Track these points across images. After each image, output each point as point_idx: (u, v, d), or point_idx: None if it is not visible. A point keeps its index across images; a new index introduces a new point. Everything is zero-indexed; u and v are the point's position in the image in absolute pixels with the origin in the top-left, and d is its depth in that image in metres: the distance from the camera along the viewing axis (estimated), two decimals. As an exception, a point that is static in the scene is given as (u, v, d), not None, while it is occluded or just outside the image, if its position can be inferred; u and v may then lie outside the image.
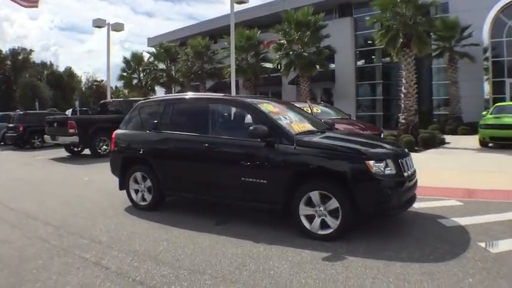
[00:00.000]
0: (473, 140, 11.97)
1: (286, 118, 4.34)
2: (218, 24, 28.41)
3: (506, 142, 10.07)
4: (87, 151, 11.33)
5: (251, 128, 3.92)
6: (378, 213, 3.69)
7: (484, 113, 12.57)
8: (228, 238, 3.78)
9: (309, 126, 4.48)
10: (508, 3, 18.44)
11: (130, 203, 5.09)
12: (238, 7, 15.48)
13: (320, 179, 3.72)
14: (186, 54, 24.58)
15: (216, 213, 4.65)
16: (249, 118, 4.36)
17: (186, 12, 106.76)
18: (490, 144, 10.87)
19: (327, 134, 4.30)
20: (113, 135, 5.36)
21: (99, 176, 7.48)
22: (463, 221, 4.08)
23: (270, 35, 22.80)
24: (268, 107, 4.46)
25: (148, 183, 4.85)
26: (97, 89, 50.12)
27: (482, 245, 3.38)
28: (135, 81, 27.59)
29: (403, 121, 14.52)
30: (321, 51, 18.33)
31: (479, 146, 11.05)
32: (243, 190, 4.13)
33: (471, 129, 16.01)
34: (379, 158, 3.59)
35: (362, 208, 3.54)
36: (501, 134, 10.15)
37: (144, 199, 4.96)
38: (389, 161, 3.61)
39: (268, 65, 20.80)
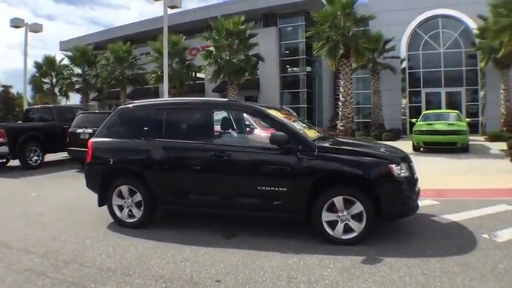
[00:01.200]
0: (401, 145, 13.68)
1: (297, 124, 4.43)
2: (137, 29, 28.78)
3: (437, 146, 11.81)
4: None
5: (271, 134, 3.92)
6: (399, 214, 4.00)
7: (414, 120, 14.54)
8: (252, 251, 3.68)
9: (316, 133, 4.65)
10: (424, 19, 21.68)
11: (107, 220, 4.61)
12: (159, 12, 15.25)
13: (345, 184, 3.89)
14: (106, 59, 23.95)
15: (216, 225, 4.47)
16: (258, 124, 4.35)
17: (89, 17, 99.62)
18: (421, 149, 12.58)
19: (336, 140, 4.52)
20: (89, 145, 4.75)
21: (47, 191, 7.02)
22: (453, 217, 4.65)
23: (195, 41, 23.00)
24: (276, 113, 4.50)
25: (138, 197, 4.42)
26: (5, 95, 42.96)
27: (486, 236, 3.94)
28: (46, 86, 25.72)
29: (341, 128, 15.90)
30: (249, 59, 19.07)
31: (412, 151, 12.69)
32: (259, 200, 4.07)
33: (394, 135, 18.37)
34: (397, 162, 3.92)
35: (386, 210, 3.80)
36: (433, 139, 11.84)
37: (131, 215, 4.49)
38: (404, 165, 3.96)
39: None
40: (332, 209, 3.85)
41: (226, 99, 5.22)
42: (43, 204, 5.93)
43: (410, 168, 4.06)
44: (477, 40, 18.44)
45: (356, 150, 4.10)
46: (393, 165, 3.83)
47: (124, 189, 4.48)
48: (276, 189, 3.95)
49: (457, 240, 3.88)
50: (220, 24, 17.79)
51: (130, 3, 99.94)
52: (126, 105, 4.98)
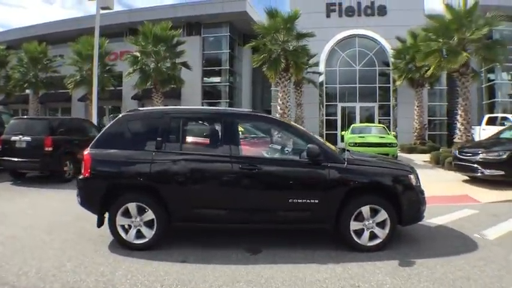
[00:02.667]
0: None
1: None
2: (52, 29, 26.96)
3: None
4: None
5: (308, 147, 4.10)
6: (414, 220, 4.50)
7: (343, 132, 16.10)
8: (292, 265, 3.77)
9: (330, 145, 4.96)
10: (342, 38, 24.28)
11: (96, 240, 4.28)
12: (78, 13, 14.35)
13: (371, 194, 4.26)
14: (20, 60, 21.84)
15: (232, 241, 4.42)
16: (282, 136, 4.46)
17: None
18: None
19: (347, 152, 4.88)
20: (86, 157, 4.19)
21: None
22: (436, 221, 5.40)
23: (113, 46, 21.93)
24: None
25: (150, 215, 4.09)
26: None
27: (478, 236, 4.73)
28: None
29: (279, 139, 16.69)
30: (176, 66, 18.80)
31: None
32: (290, 212, 4.18)
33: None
34: (412, 172, 4.51)
35: (406, 216, 4.30)
36: (367, 151, 13.36)
37: (141, 236, 4.12)
38: (415, 174, 4.57)
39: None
40: (358, 217, 4.20)
41: (249, 110, 5.15)
42: (12, 224, 5.15)
43: (418, 178, 4.69)
44: (393, 60, 21.47)
45: (379, 162, 4.56)
46: (411, 176, 4.40)
47: (132, 207, 4.09)
48: (308, 201, 4.12)
49: (457, 240, 4.59)
50: (148, 28, 17.29)
51: (27, 2, 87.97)
52: (132, 113, 4.56)
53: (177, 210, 4.11)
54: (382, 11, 23.68)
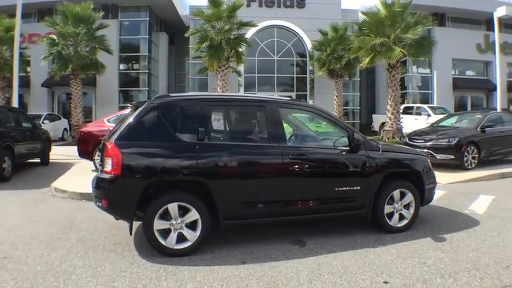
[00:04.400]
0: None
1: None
2: None
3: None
4: None
5: (355, 136, 4.22)
6: (430, 200, 4.95)
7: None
8: (344, 253, 3.85)
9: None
10: (262, 28, 24.90)
11: (128, 254, 3.74)
12: None
13: (401, 178, 4.58)
14: None
15: (270, 234, 4.33)
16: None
17: None
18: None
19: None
20: (113, 151, 3.52)
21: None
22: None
23: (25, 28, 19.03)
24: None
25: (193, 216, 3.68)
26: None
27: (468, 212, 5.49)
28: None
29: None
30: (96, 51, 17.73)
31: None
32: (336, 200, 4.26)
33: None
34: (428, 157, 5.04)
35: (426, 198, 4.77)
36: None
37: (183, 240, 3.69)
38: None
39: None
40: (389, 201, 4.51)
41: (289, 98, 4.96)
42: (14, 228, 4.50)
43: None
44: (313, 51, 23.02)
45: (402, 149, 4.96)
46: (429, 160, 4.94)
47: (173, 207, 3.62)
48: (352, 188, 4.26)
49: (457, 217, 5.22)
50: (69, 8, 15.48)
51: None
52: (163, 100, 3.98)
53: (227, 207, 3.79)
54: (301, 3, 25.08)
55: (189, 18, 25.20)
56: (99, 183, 3.70)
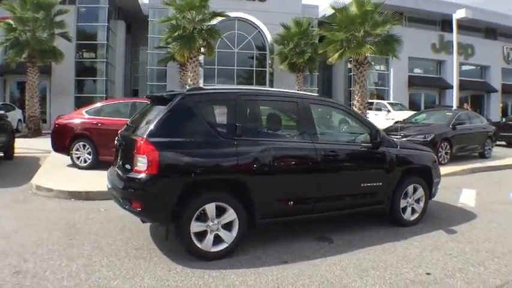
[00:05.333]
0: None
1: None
2: None
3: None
4: None
5: (379, 133, 4.43)
6: (435, 194, 5.31)
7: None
8: (371, 248, 4.05)
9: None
10: (222, 20, 24.61)
11: (160, 260, 3.60)
12: None
13: (415, 174, 4.88)
14: None
15: (296, 230, 4.41)
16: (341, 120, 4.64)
17: None
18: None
19: None
20: (146, 148, 3.34)
21: None
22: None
23: None
24: None
25: (230, 216, 3.63)
26: None
27: (461, 205, 5.98)
28: None
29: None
30: (53, 38, 16.94)
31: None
32: (361, 196, 4.45)
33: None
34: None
35: (434, 192, 5.15)
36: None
37: (219, 242, 3.63)
38: None
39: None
40: (404, 196, 4.78)
41: (317, 95, 4.96)
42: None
43: None
44: (275, 45, 23.29)
45: (414, 145, 5.27)
46: (435, 156, 5.31)
47: (210, 208, 3.54)
48: (375, 184, 4.47)
49: (453, 210, 5.69)
50: None
51: None
52: (197, 93, 3.83)
53: (264, 205, 3.78)
54: (263, -4, 25.30)
55: (149, 7, 24.40)
56: (129, 183, 3.51)
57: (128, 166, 3.64)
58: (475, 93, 27.26)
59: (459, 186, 7.59)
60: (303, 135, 4.10)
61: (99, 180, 6.63)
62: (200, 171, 3.56)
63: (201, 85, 24.53)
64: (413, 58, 25.67)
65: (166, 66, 23.18)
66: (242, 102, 3.88)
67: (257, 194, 3.73)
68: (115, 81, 25.81)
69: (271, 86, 26.11)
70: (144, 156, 3.38)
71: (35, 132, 16.67)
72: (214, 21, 24.17)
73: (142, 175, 3.39)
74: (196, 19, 14.92)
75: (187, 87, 16.32)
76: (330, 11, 16.35)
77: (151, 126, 3.53)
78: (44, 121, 20.11)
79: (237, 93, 3.98)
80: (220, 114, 3.85)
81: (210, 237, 3.60)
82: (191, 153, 3.54)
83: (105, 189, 5.83)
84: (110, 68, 25.01)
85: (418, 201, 4.95)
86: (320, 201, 4.18)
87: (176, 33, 14.60)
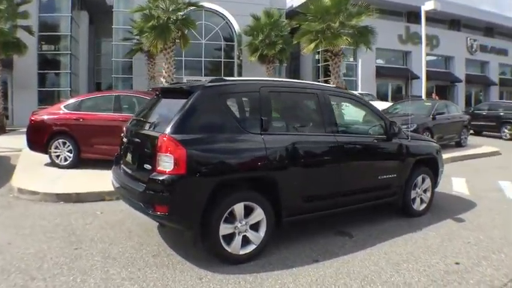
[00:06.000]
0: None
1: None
2: None
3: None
4: None
5: (398, 126, 4.50)
6: (438, 184, 5.51)
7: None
8: (393, 240, 4.13)
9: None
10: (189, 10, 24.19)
11: (184, 267, 3.43)
12: None
13: (423, 165, 4.98)
14: None
15: (316, 227, 4.38)
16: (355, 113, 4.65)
17: None
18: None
19: None
20: (171, 145, 3.14)
21: None
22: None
23: None
24: None
25: (258, 215, 3.52)
26: None
27: (456, 193, 6.26)
28: None
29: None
30: (16, 29, 16.17)
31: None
32: (377, 189, 4.50)
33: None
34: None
35: (438, 181, 5.32)
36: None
37: (247, 243, 3.52)
38: None
39: None
40: (413, 187, 4.91)
41: (335, 86, 4.87)
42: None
43: None
44: (243, 36, 23.14)
45: (420, 136, 5.38)
46: (439, 146, 5.47)
47: (239, 208, 3.41)
48: (390, 176, 4.54)
49: (452, 199, 5.91)
50: None
51: None
52: (219, 84, 3.62)
53: (291, 203, 3.71)
54: (231, -14, 24.96)
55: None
56: (152, 185, 3.27)
57: (147, 166, 3.40)
58: (440, 84, 28.57)
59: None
60: (324, 128, 4.06)
61: (86, 180, 6.32)
62: (230, 169, 3.42)
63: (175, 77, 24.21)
64: (381, 49, 26.34)
65: (132, 59, 22.39)
66: (265, 94, 3.75)
67: (285, 191, 3.65)
68: (79, 74, 24.74)
69: (240, 76, 26.05)
70: (169, 155, 3.17)
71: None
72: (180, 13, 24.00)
73: (168, 176, 3.18)
74: (170, 8, 14.44)
75: (163, 80, 16.04)
76: (298, 2, 16.49)
77: (173, 122, 3.30)
78: (7, 117, 18.79)
79: (259, 85, 3.84)
80: (245, 108, 3.71)
81: (238, 239, 3.47)
82: (220, 150, 3.38)
83: (96, 189, 5.64)
84: (74, 61, 23.92)
85: (425, 191, 5.08)
86: (342, 196, 4.18)
87: (150, 23, 14.03)
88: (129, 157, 3.91)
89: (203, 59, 25.76)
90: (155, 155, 3.25)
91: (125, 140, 4.06)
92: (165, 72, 15.62)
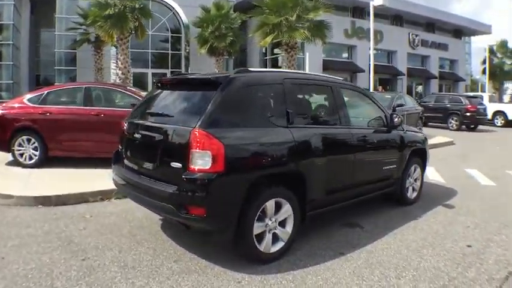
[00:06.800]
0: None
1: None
2: None
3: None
4: None
5: (398, 118, 4.73)
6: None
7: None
8: (399, 229, 4.36)
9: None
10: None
11: (216, 272, 3.34)
12: None
13: (416, 155, 5.28)
14: None
15: (326, 219, 4.46)
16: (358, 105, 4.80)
17: None
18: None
19: None
20: (207, 141, 2.99)
21: None
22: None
23: None
24: None
25: (286, 211, 3.50)
26: None
27: (435, 182, 6.76)
28: None
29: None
30: None
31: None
32: (382, 180, 4.70)
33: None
34: (420, 133, 5.93)
35: (425, 170, 5.70)
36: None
37: (276, 241, 3.49)
38: None
39: None
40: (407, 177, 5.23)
41: (343, 79, 4.87)
42: None
43: None
44: (191, 27, 22.77)
45: (409, 127, 5.66)
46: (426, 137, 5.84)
47: (270, 205, 3.36)
48: (392, 166, 4.78)
49: (430, 187, 6.32)
50: None
51: None
52: (246, 75, 3.51)
53: (314, 197, 3.73)
54: (177, -23, 24.34)
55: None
56: (187, 185, 3.08)
57: (174, 164, 3.18)
58: (383, 77, 30.27)
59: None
60: (340, 121, 4.15)
61: (59, 180, 5.86)
62: (266, 164, 3.36)
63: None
64: (328, 43, 27.41)
65: (76, 50, 21.09)
66: (288, 85, 3.73)
67: (311, 185, 3.67)
68: (20, 66, 22.87)
69: (187, 70, 25.66)
70: (207, 151, 3.01)
71: None
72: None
73: (206, 174, 3.03)
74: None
75: (119, 72, 15.15)
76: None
77: (205, 115, 3.12)
78: None
79: (282, 76, 3.83)
80: (271, 100, 3.66)
81: (269, 237, 3.43)
82: (254, 145, 3.31)
83: (77, 190, 5.19)
84: (15, 52, 21.89)
85: (416, 180, 5.42)
86: (355, 188, 4.33)
87: (107, 12, 13.20)
88: (139, 154, 3.69)
89: (150, 50, 25.05)
90: (187, 152, 3.06)
91: (131, 135, 3.80)
92: (121, 64, 14.94)
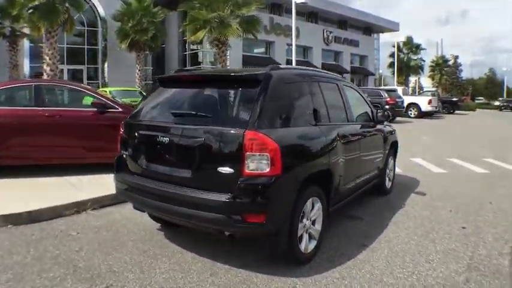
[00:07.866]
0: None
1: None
2: None
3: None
4: None
5: (387, 112, 5.22)
6: None
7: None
8: (397, 217, 4.81)
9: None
10: None
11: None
12: None
13: (392, 147, 5.79)
14: None
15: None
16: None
17: None
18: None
19: None
20: (265, 143, 2.90)
21: None
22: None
23: None
24: None
25: (318, 209, 3.58)
26: None
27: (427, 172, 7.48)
28: None
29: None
30: None
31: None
32: (373, 171, 5.06)
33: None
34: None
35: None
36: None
37: (311, 238, 3.55)
38: None
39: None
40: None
41: (336, 74, 4.98)
42: None
43: None
44: (108, 21, 21.44)
45: None
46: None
47: (308, 204, 3.41)
48: (378, 159, 5.20)
49: (420, 178, 7.02)
50: None
51: None
52: (281, 72, 3.48)
53: (336, 193, 3.87)
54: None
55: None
56: (244, 191, 2.94)
57: (225, 170, 2.99)
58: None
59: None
60: (347, 117, 4.39)
61: (22, 194, 5.07)
62: (311, 164, 3.44)
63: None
64: (248, 38, 27.96)
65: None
66: (312, 83, 3.85)
67: (335, 182, 3.82)
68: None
69: (103, 65, 24.31)
70: (264, 153, 2.92)
71: None
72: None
73: (266, 178, 2.94)
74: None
75: (47, 68, 13.57)
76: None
77: (255, 115, 3.01)
78: None
79: (307, 75, 3.95)
80: (301, 97, 3.70)
81: (306, 237, 3.48)
82: (302, 145, 3.41)
83: (49, 204, 4.57)
84: None
85: (390, 170, 5.94)
86: (360, 180, 4.64)
87: (34, 3, 11.92)
88: (164, 160, 3.40)
89: (65, 45, 23.11)
90: (241, 155, 2.92)
91: (149, 139, 3.49)
92: (49, 60, 13.63)
